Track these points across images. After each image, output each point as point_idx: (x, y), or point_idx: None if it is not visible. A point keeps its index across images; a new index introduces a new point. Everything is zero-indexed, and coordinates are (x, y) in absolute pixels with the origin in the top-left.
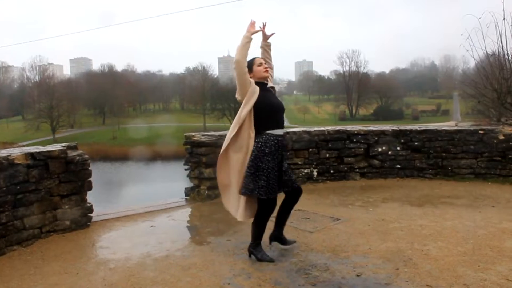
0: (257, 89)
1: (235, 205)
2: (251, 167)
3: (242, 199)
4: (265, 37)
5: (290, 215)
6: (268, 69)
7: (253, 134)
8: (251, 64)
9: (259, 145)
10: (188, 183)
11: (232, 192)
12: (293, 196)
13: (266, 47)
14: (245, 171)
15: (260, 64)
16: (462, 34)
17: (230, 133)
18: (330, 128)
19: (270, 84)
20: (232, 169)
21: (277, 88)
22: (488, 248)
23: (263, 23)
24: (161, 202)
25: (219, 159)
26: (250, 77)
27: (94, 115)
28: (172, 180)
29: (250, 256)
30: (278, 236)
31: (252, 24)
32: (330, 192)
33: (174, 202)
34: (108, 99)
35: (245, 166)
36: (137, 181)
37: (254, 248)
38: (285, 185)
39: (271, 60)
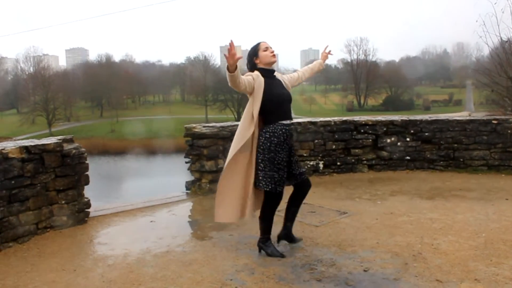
0: (262, 82)
1: (235, 207)
2: (264, 160)
3: (249, 197)
4: (324, 57)
5: (298, 210)
6: (274, 53)
7: (257, 130)
8: (256, 49)
9: (267, 136)
10: (189, 177)
11: (232, 195)
12: (301, 189)
13: (317, 67)
14: (255, 166)
15: (266, 49)
16: (476, 21)
17: (239, 132)
18: (336, 118)
19: (277, 74)
20: (238, 168)
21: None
22: (501, 242)
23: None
24: (161, 196)
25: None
26: (257, 63)
27: (92, 108)
28: (173, 174)
29: (260, 251)
30: (287, 234)
31: (231, 46)
32: (337, 185)
33: (174, 196)
34: (106, 91)
35: (253, 162)
36: (137, 175)
37: (264, 243)
38: (294, 177)
39: (304, 76)
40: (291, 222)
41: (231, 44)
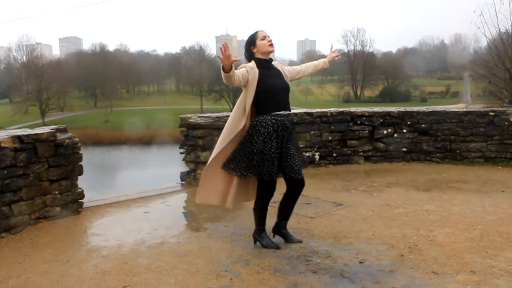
0: (257, 73)
1: (217, 191)
2: (244, 145)
3: (233, 185)
4: (331, 58)
5: (293, 208)
6: (272, 42)
7: (248, 122)
8: (254, 38)
9: (258, 127)
10: (183, 167)
11: (215, 180)
12: (292, 189)
13: (321, 65)
14: (234, 150)
15: (264, 38)
16: (474, 11)
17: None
18: (333, 109)
19: (276, 64)
20: (225, 157)
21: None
22: (497, 234)
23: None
24: (155, 187)
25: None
26: (254, 52)
27: (86, 98)
28: (167, 165)
29: (255, 243)
30: (280, 231)
31: (225, 48)
32: (333, 176)
33: (169, 187)
34: (100, 81)
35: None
36: (131, 165)
37: (259, 235)
38: (284, 171)
39: (307, 71)
40: (284, 220)
41: (225, 46)
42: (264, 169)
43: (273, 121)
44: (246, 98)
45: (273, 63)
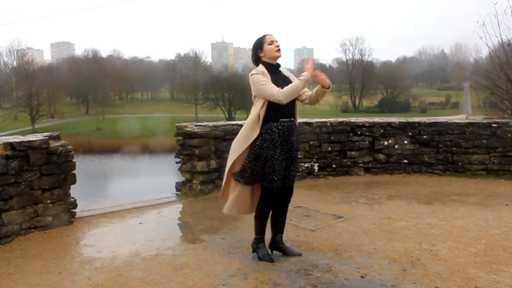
0: (269, 78)
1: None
2: (252, 155)
3: (234, 192)
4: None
5: (285, 220)
6: (279, 48)
7: (258, 128)
8: (261, 42)
9: (262, 132)
10: (179, 177)
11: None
12: (282, 196)
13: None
14: (244, 160)
15: (272, 42)
16: (477, 22)
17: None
18: (332, 119)
19: (283, 70)
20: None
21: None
22: (501, 249)
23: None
24: (150, 197)
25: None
26: (261, 56)
27: (77, 105)
28: (162, 174)
29: (253, 252)
30: (277, 246)
31: (310, 62)
32: (332, 188)
33: (164, 198)
34: (92, 87)
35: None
36: (124, 175)
37: (257, 245)
38: (287, 179)
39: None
40: (279, 234)
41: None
42: (271, 177)
43: (280, 127)
44: (262, 106)
45: (280, 68)
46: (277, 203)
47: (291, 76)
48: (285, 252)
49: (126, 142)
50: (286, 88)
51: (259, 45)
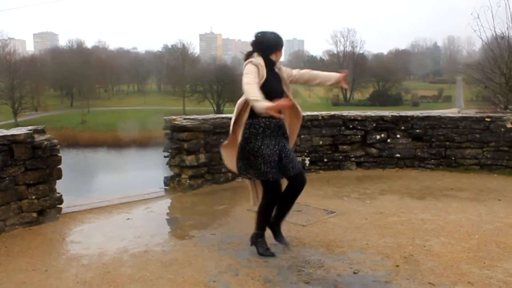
0: (265, 73)
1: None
2: (242, 150)
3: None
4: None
5: (290, 207)
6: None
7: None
8: (280, 45)
9: (247, 126)
10: (167, 172)
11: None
12: (292, 184)
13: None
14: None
15: (280, 53)
16: (471, 14)
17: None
18: (324, 113)
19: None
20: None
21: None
22: (494, 244)
23: None
24: (138, 192)
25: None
26: (272, 54)
27: (61, 97)
28: (148, 169)
29: (251, 245)
30: (272, 226)
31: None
32: (324, 182)
33: (152, 193)
34: (76, 79)
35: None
36: (110, 169)
37: (257, 239)
38: (286, 169)
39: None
40: (279, 218)
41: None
42: (263, 169)
43: (267, 123)
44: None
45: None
46: (287, 192)
47: (280, 71)
48: (276, 236)
49: (112, 135)
50: (248, 88)
51: (278, 45)
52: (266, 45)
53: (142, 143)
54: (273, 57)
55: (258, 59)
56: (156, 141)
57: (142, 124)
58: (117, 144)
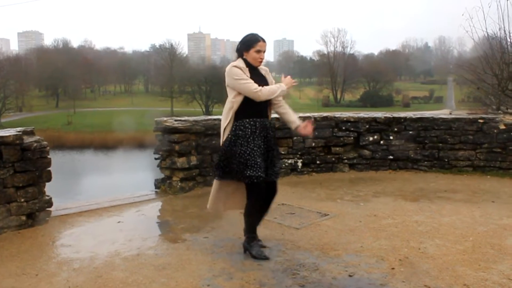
0: (248, 73)
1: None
2: (225, 152)
3: (213, 188)
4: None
5: (264, 215)
6: (262, 60)
7: (231, 122)
8: (251, 44)
9: (233, 129)
10: (158, 174)
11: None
12: (267, 193)
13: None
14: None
15: (259, 52)
16: (463, 14)
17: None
18: (316, 114)
19: (261, 68)
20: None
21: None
22: (489, 246)
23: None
24: (128, 195)
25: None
26: (244, 56)
27: (46, 97)
28: (136, 171)
29: (245, 252)
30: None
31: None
32: (317, 185)
33: (143, 195)
34: (62, 79)
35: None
36: (98, 171)
37: (249, 244)
38: (267, 173)
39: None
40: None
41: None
42: (248, 171)
43: (252, 123)
44: (235, 100)
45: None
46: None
47: (269, 75)
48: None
49: (98, 137)
50: (266, 88)
51: (247, 46)
52: (240, 47)
53: (129, 145)
54: (247, 57)
55: (238, 62)
56: (144, 142)
57: (129, 126)
58: (104, 146)
